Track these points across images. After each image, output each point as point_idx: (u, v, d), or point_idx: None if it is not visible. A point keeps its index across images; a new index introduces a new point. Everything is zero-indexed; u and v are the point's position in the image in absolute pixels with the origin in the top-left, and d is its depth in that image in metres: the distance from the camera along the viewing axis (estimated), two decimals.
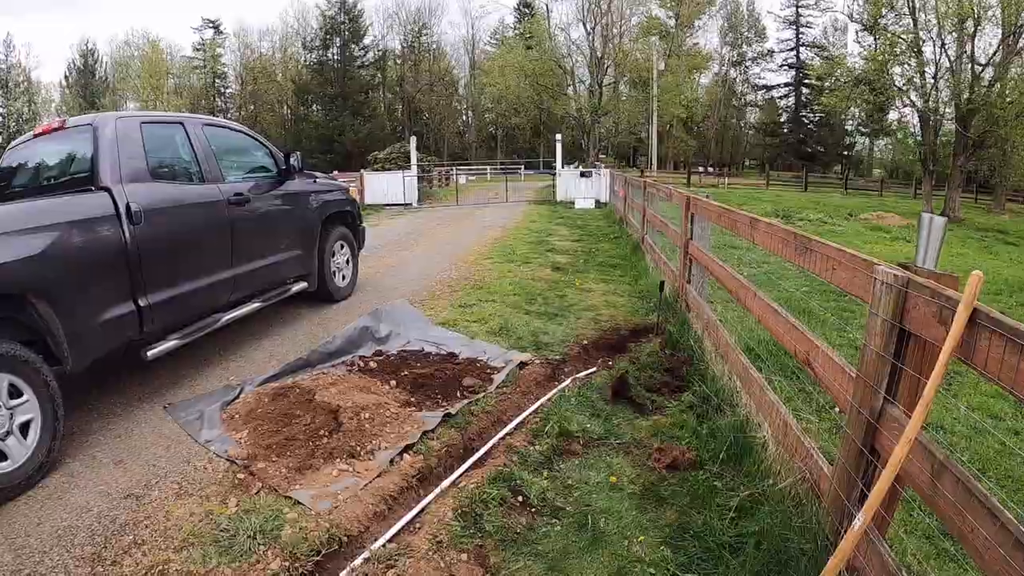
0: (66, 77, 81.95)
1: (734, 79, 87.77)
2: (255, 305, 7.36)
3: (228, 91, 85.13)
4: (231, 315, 6.92)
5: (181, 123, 6.65)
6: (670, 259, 9.66)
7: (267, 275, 7.61)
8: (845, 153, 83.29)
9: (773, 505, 4.09)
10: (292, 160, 8.04)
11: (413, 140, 29.63)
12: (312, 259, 8.58)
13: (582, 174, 26.61)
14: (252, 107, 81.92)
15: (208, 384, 6.48)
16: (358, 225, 10.06)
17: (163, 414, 5.88)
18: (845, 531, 3.02)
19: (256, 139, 8.03)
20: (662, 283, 8.38)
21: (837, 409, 5.57)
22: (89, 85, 79.38)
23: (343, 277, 9.69)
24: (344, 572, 3.96)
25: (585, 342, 7.63)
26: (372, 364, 6.70)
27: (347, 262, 9.80)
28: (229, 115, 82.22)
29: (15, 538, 4.30)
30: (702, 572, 3.82)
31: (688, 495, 4.58)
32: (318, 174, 9.64)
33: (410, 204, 27.20)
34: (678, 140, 77.30)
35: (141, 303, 5.58)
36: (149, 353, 5.79)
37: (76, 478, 4.99)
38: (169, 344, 6.02)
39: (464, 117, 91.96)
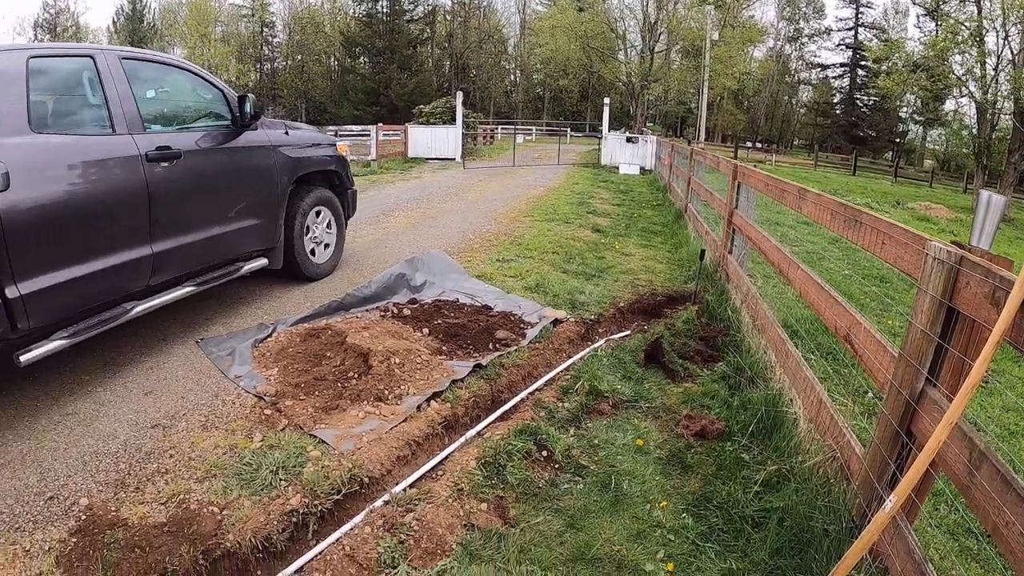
0: (114, 23, 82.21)
1: (788, 55, 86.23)
2: (187, 290, 5.91)
3: (275, 40, 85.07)
4: (150, 303, 5.50)
5: (91, 56, 5.14)
6: (713, 229, 9.53)
7: (207, 252, 6.09)
8: (897, 140, 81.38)
9: (800, 482, 4.02)
10: (246, 105, 6.37)
11: (459, 95, 29.33)
12: (275, 230, 6.98)
13: (628, 139, 26.33)
14: (299, 57, 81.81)
15: (242, 323, 6.50)
16: (345, 187, 8.51)
17: (195, 349, 5.90)
18: (872, 515, 2.93)
19: (205, 79, 6.35)
20: (703, 252, 8.25)
21: (869, 395, 5.48)
22: (137, 31, 79.56)
23: (324, 249, 8.18)
24: (363, 513, 3.96)
25: (621, 304, 7.55)
26: (406, 311, 6.67)
27: (329, 232, 8.23)
28: (275, 64, 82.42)
29: (42, 461, 4.36)
30: (722, 543, 3.77)
31: (714, 465, 4.52)
32: (298, 124, 8.00)
33: (453, 159, 27.09)
34: (727, 113, 76.37)
35: (9, 294, 4.32)
36: (23, 358, 4.54)
37: (105, 406, 5.03)
38: (52, 345, 4.73)
39: (512, 77, 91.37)
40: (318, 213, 7.92)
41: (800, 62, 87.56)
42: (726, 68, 51.88)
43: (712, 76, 51.05)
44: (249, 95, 6.42)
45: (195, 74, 6.28)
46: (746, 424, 4.84)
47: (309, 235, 7.77)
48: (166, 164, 5.40)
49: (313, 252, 7.94)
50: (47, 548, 3.60)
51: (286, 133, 7.14)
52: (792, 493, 3.92)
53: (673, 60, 57.23)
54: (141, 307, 5.43)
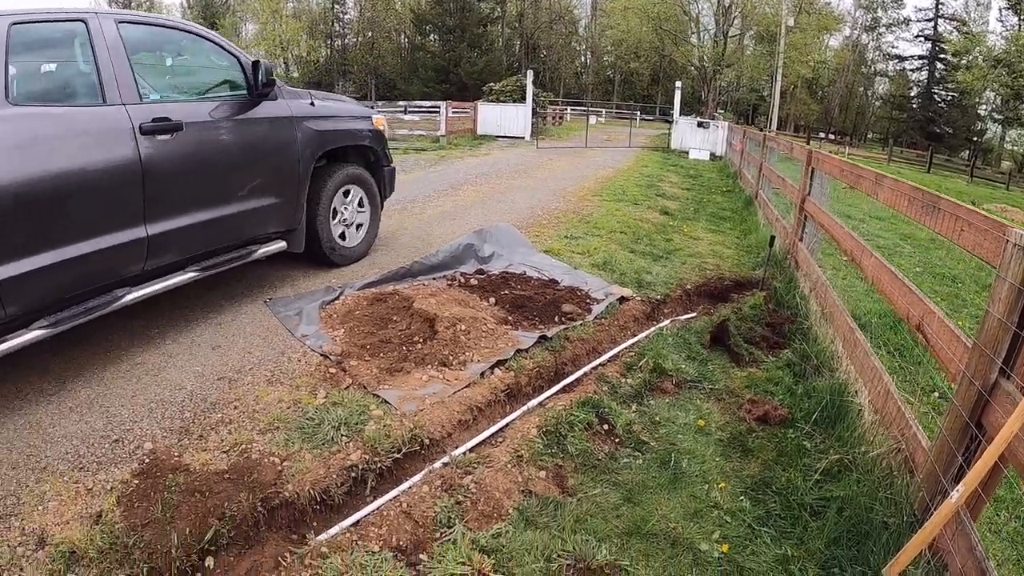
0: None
1: (865, 45, 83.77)
2: (190, 275, 5.39)
3: (346, 17, 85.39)
4: (144, 290, 5.03)
5: (83, 21, 4.65)
6: (783, 216, 9.37)
7: (213, 234, 5.53)
8: (974, 139, 78.23)
9: (861, 473, 3.94)
10: (259, 73, 5.72)
11: (530, 74, 29.22)
12: (295, 210, 6.33)
13: (699, 124, 26.05)
14: (369, 34, 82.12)
15: (310, 286, 6.60)
16: (382, 164, 7.67)
17: (263, 308, 6.00)
18: (935, 509, 2.87)
19: (218, 44, 5.73)
20: (772, 237, 8.13)
21: (935, 394, 5.36)
22: (210, 6, 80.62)
23: (355, 231, 7.44)
24: (422, 473, 4.00)
25: (688, 287, 7.48)
26: (473, 281, 6.69)
27: (361, 213, 7.47)
28: (346, 41, 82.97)
29: (108, 407, 4.48)
30: (778, 529, 3.73)
31: (775, 450, 4.46)
32: (329, 94, 7.25)
33: (522, 138, 27.07)
34: (800, 103, 74.87)
35: None
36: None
37: (173, 359, 5.15)
38: (30, 336, 4.31)
39: (582, 58, 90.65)
40: (347, 193, 7.14)
41: (877, 53, 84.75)
42: (801, 55, 50.77)
43: (786, 63, 50.06)
44: (263, 61, 5.79)
45: (206, 39, 5.69)
46: (809, 412, 4.76)
47: (338, 217, 7.09)
48: (164, 137, 4.82)
49: (343, 236, 7.26)
50: (109, 488, 3.71)
51: (311, 104, 6.42)
52: (853, 483, 3.85)
53: (747, 45, 56.34)
54: (134, 294, 4.94)
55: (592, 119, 38.95)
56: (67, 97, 4.57)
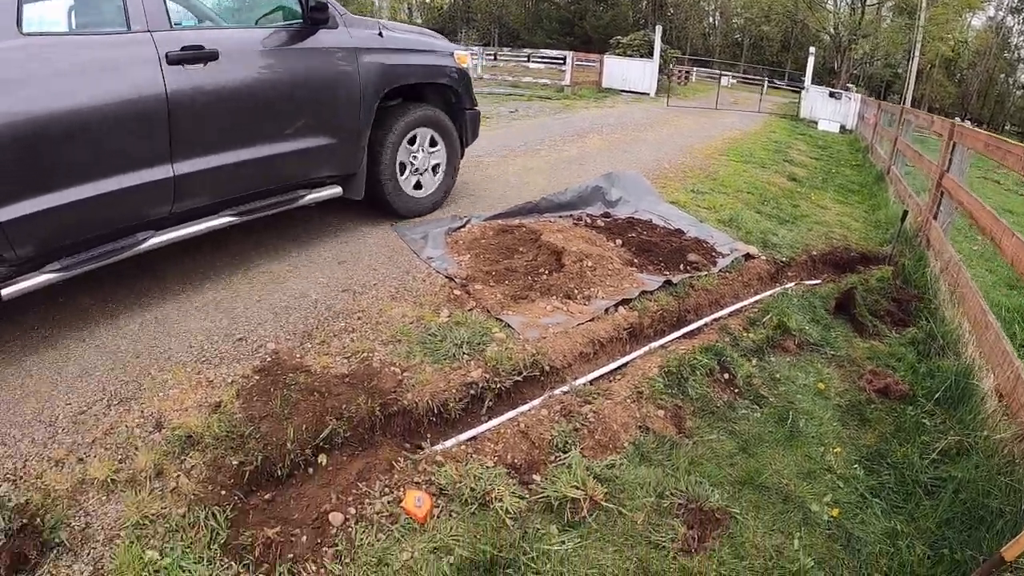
0: None
1: (1010, 28, 78.77)
2: (223, 220, 4.88)
3: None
4: (170, 235, 4.57)
5: None
6: (917, 193, 9.01)
7: (252, 175, 4.97)
8: None
9: (981, 458, 3.79)
10: None
11: (659, 29, 28.57)
12: (354, 153, 5.67)
13: (831, 94, 25.14)
14: None
15: (436, 214, 6.71)
16: (463, 107, 6.81)
17: (389, 231, 6.12)
18: None
19: None
20: (905, 212, 7.84)
21: None
22: None
23: (428, 179, 6.71)
24: (542, 397, 4.04)
25: (814, 253, 7.29)
26: (599, 223, 6.66)
27: (434, 158, 6.68)
28: None
29: (233, 309, 4.68)
30: (890, 502, 3.64)
31: (893, 424, 4.34)
32: (399, 24, 6.62)
33: (647, 94, 26.66)
34: (936, 84, 71.29)
35: None
36: (4, 292, 3.86)
37: (299, 269, 5.32)
38: (40, 279, 3.98)
39: (710, 19, 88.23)
40: (415, 138, 6.32)
41: (1022, 38, 79.76)
42: (940, 31, 48.18)
43: (925, 39, 47.49)
44: None
45: None
46: (931, 391, 4.60)
47: (411, 160, 6.40)
48: (195, 67, 4.30)
49: (417, 184, 6.60)
50: (230, 381, 3.89)
51: (379, 34, 5.67)
52: (971, 467, 3.71)
53: (885, 16, 53.78)
54: (158, 239, 4.49)
55: (725, 80, 38.04)
56: (88, 25, 4.19)
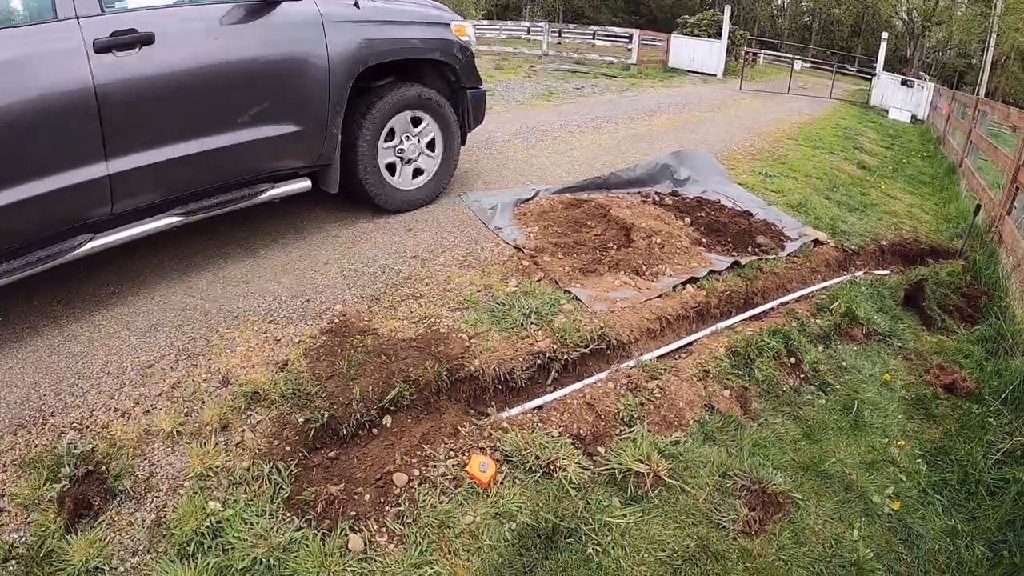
0: None
1: None
2: (170, 220, 4.34)
3: None
4: (109, 237, 4.11)
5: None
6: (991, 187, 8.80)
7: (200, 170, 4.40)
8: None
9: None
10: None
11: (727, 9, 28.05)
12: (323, 141, 4.95)
13: (903, 82, 24.51)
14: None
15: (504, 185, 6.74)
16: (463, 86, 5.98)
17: (456, 200, 6.16)
18: None
19: None
20: (978, 207, 7.67)
21: None
22: None
23: (420, 167, 5.91)
24: (609, 370, 4.05)
25: (883, 243, 7.17)
26: (668, 201, 6.63)
27: (428, 151, 5.88)
28: None
29: (302, 272, 4.76)
30: (951, 499, 3.61)
31: (958, 422, 4.28)
32: None
33: (714, 75, 26.27)
34: (1012, 77, 69.22)
35: None
36: None
37: (367, 235, 5.38)
38: None
39: (780, 0, 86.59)
40: (407, 122, 5.59)
41: None
42: (1018, 21, 46.58)
43: (1001, 30, 45.93)
44: None
45: None
46: (999, 391, 4.52)
47: (398, 149, 5.63)
48: (127, 53, 3.80)
49: (406, 174, 5.82)
50: (297, 340, 3.96)
51: (355, 5, 4.96)
52: None
53: (959, 4, 52.25)
54: (97, 242, 4.05)
55: (798, 65, 37.30)
56: (11, 17, 3.72)
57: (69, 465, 2.94)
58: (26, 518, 2.79)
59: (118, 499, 2.92)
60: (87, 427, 3.25)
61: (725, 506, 3.25)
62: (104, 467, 3.01)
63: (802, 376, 4.41)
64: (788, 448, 3.77)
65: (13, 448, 3.11)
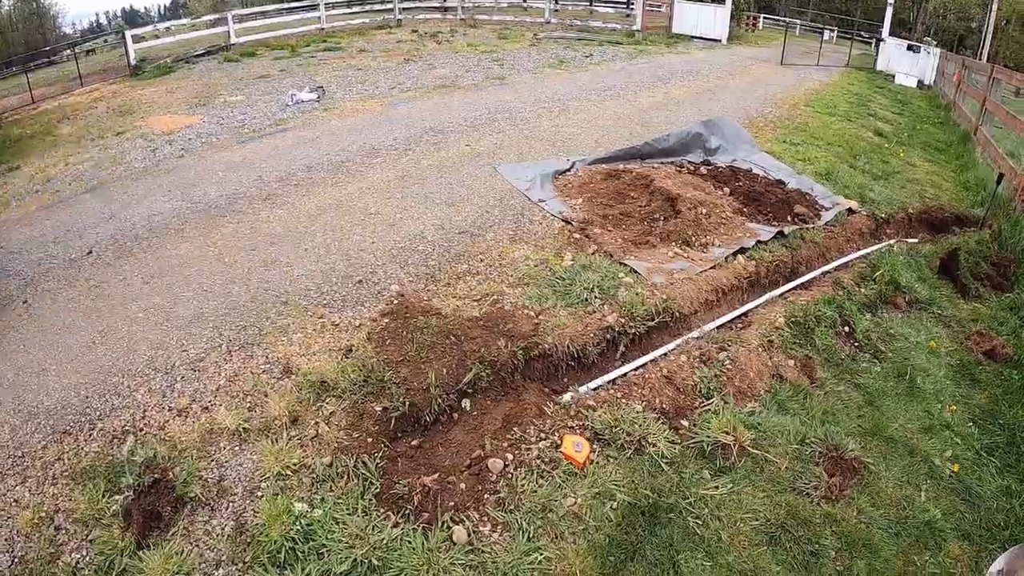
0: None
1: None
2: None
3: None
4: None
5: None
6: (1010, 156, 8.82)
7: None
8: None
9: None
10: None
11: None
12: None
13: (909, 47, 24.41)
14: None
15: (535, 155, 6.75)
16: None
17: (492, 172, 6.18)
18: None
19: None
20: (1000, 176, 7.70)
21: None
22: None
23: None
24: (679, 341, 4.12)
25: (910, 211, 7.21)
26: (702, 170, 6.65)
27: None
28: None
29: (348, 251, 4.79)
30: (1003, 460, 3.72)
31: (1001, 387, 4.37)
32: None
33: (719, 40, 25.99)
34: (1012, 41, 68.91)
35: None
36: None
37: (408, 211, 5.40)
38: None
39: None
40: None
41: None
42: None
43: None
44: None
45: None
46: None
47: None
48: None
49: None
50: (357, 324, 3.96)
51: None
52: None
53: None
54: None
55: (803, 28, 37.04)
56: None
57: (131, 474, 2.84)
58: (87, 535, 2.70)
59: (189, 507, 2.84)
60: (142, 430, 3.18)
61: (807, 473, 3.33)
62: (170, 473, 2.92)
63: (856, 344, 4.48)
64: (854, 415, 3.86)
65: (61, 459, 3.02)
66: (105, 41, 19.82)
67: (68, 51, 16.73)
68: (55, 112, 10.36)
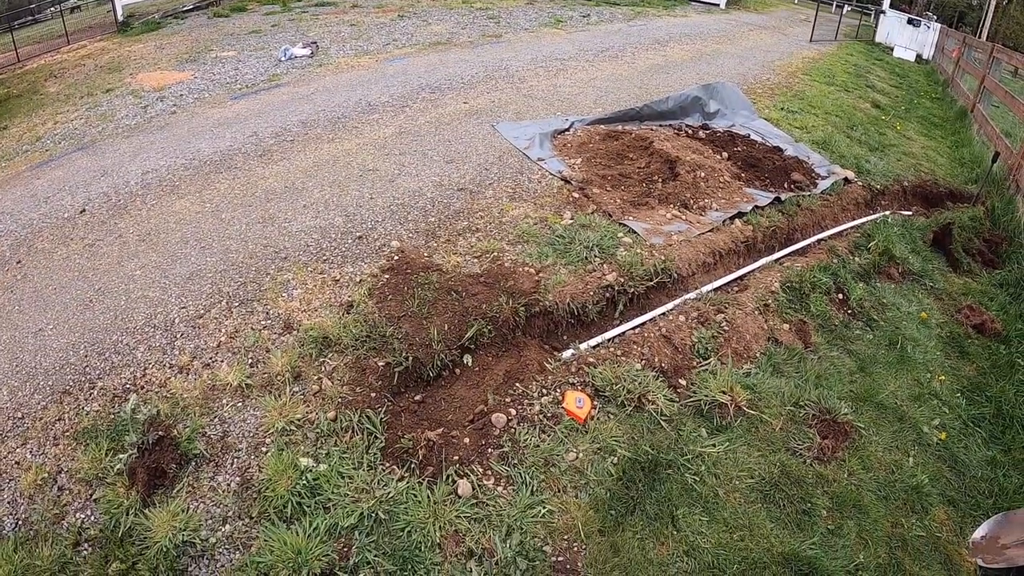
0: None
1: None
2: None
3: None
4: None
5: None
6: (1006, 134, 8.84)
7: None
8: None
9: None
10: None
11: None
12: None
13: (910, 20, 24.30)
14: None
15: (532, 115, 6.71)
16: None
17: (491, 130, 6.15)
18: None
19: None
20: (996, 154, 7.72)
21: None
22: None
23: None
24: (677, 300, 4.15)
25: (905, 184, 7.23)
26: (700, 134, 6.64)
27: None
28: None
29: (347, 207, 4.76)
30: (989, 432, 3.79)
31: (988, 360, 4.44)
32: None
33: (717, 5, 25.86)
34: (1013, 20, 68.74)
35: None
36: None
37: (407, 168, 5.37)
38: None
39: None
40: None
41: None
42: None
43: None
44: None
45: None
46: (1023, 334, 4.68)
47: None
48: None
49: None
50: (358, 280, 3.97)
51: None
52: None
53: None
54: None
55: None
56: None
57: (134, 432, 2.84)
58: (91, 495, 2.71)
59: (193, 463, 2.85)
60: (143, 387, 3.19)
61: (800, 434, 3.39)
62: (174, 431, 2.93)
63: (850, 312, 4.52)
64: (846, 380, 3.90)
65: (61, 418, 3.02)
66: None
67: (53, 7, 16.41)
68: (42, 71, 10.15)
